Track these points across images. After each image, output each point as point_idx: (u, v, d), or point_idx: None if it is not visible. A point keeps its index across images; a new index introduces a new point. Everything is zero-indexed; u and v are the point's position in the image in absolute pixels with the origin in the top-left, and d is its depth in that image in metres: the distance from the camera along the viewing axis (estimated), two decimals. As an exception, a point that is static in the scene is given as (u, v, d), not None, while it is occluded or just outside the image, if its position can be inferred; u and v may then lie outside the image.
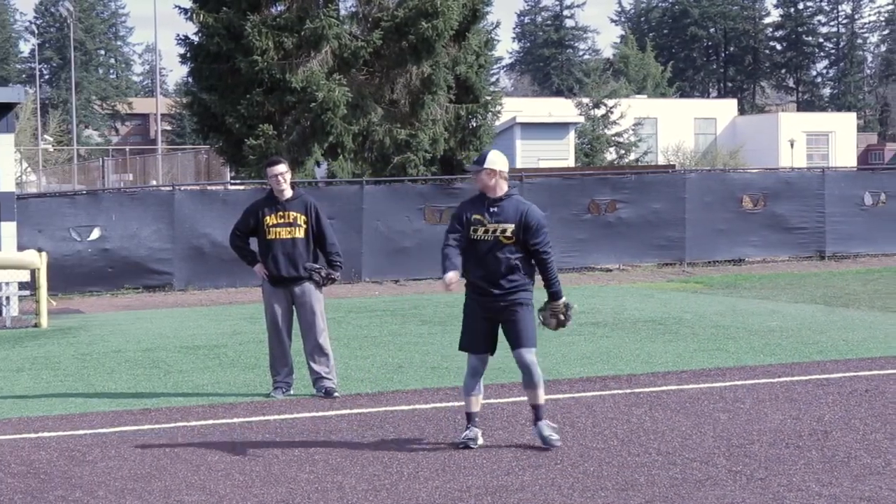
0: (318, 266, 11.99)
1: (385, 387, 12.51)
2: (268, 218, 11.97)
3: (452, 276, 9.58)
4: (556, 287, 9.69)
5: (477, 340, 9.77)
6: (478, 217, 9.62)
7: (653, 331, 16.51)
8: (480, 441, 9.64)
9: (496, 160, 9.67)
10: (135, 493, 8.40)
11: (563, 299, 9.79)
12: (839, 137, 76.82)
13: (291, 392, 12.13)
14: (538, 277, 9.65)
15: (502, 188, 9.66)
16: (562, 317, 9.85)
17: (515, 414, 10.89)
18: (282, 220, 11.95)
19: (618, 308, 19.38)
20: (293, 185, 12.13)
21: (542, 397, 9.71)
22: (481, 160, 9.73)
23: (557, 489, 8.26)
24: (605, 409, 11.05)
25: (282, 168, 11.98)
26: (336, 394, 11.96)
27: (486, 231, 9.55)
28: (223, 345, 15.98)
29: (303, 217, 11.98)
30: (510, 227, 9.50)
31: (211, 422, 10.84)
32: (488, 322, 9.69)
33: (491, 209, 9.61)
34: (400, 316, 19.02)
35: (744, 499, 7.93)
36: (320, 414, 11.15)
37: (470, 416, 9.71)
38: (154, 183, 51.30)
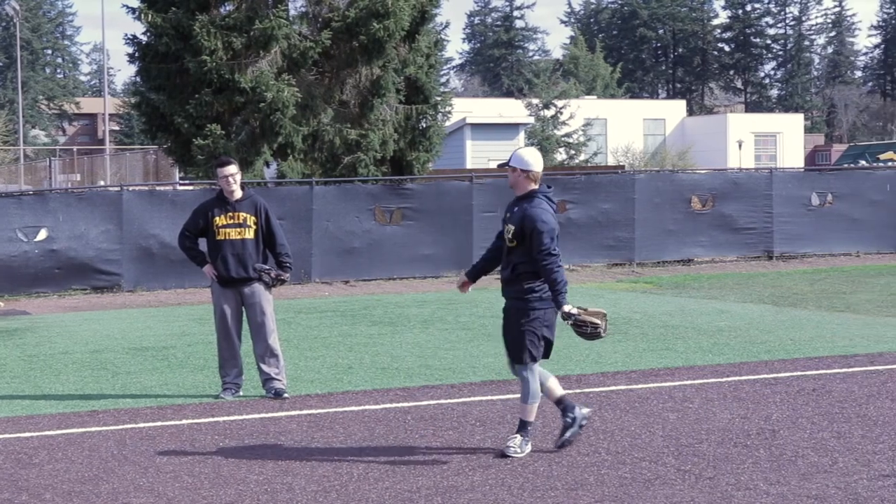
0: (267, 267, 11.96)
1: (335, 388, 12.49)
2: (217, 218, 11.92)
3: (459, 279, 9.78)
4: (556, 296, 9.09)
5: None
6: (505, 217, 9.42)
7: (602, 331, 16.54)
8: (586, 411, 9.55)
9: (522, 159, 9.30)
10: (82, 495, 8.33)
11: (566, 308, 9.07)
12: (787, 138, 77.46)
13: (241, 393, 12.08)
14: None
15: (524, 188, 9.30)
16: (570, 326, 9.25)
17: (465, 414, 10.90)
18: (231, 221, 11.91)
19: (567, 308, 19.40)
20: (243, 186, 12.09)
21: (529, 414, 9.34)
22: (512, 157, 9.38)
23: (507, 489, 8.27)
24: (555, 410, 11.03)
25: (232, 169, 11.94)
26: (285, 395, 11.93)
27: (506, 232, 9.34)
28: (172, 346, 15.89)
29: (252, 218, 11.95)
30: (512, 229, 9.24)
31: (159, 423, 10.77)
32: None
33: (514, 209, 9.35)
34: (350, 317, 18.99)
35: (692, 498, 7.97)
36: (270, 415, 11.12)
37: (557, 405, 9.53)
38: (102, 183, 50.94)
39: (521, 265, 9.18)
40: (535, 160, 9.30)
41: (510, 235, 9.25)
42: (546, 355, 9.39)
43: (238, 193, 11.95)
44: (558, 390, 9.53)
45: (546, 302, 9.20)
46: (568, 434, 9.40)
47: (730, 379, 12.56)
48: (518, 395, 9.66)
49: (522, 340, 9.21)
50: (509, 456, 9.15)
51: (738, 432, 9.89)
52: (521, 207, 9.24)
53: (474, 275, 9.87)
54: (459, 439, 9.87)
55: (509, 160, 9.33)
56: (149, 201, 24.20)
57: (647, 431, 10.02)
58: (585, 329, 9.22)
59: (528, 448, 9.27)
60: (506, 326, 9.39)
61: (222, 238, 11.90)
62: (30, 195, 25.54)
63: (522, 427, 9.30)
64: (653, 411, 10.90)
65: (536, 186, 9.31)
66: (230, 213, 11.92)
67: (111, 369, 13.96)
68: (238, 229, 11.91)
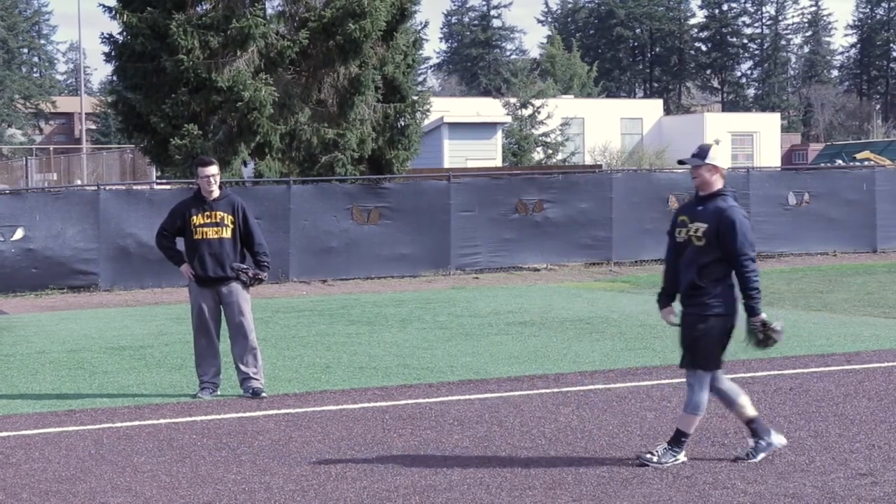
0: (245, 266, 11.95)
1: (313, 387, 12.48)
2: (195, 217, 11.91)
3: (664, 313, 9.06)
4: (750, 301, 8.70)
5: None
6: (684, 218, 8.89)
7: (580, 330, 16.59)
8: (782, 440, 8.98)
9: (713, 154, 8.87)
10: (59, 495, 8.31)
11: (761, 317, 8.72)
12: (763, 138, 77.61)
13: (218, 392, 12.06)
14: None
15: (714, 186, 8.83)
16: (760, 335, 8.77)
17: (443, 413, 10.90)
18: (209, 220, 11.91)
19: (545, 308, 19.45)
20: (221, 186, 12.08)
21: (688, 426, 8.82)
22: (703, 153, 8.89)
23: (485, 488, 8.27)
24: (533, 409, 11.08)
25: (213, 169, 11.94)
26: (263, 394, 11.92)
27: (688, 231, 8.79)
28: (149, 345, 15.85)
29: (230, 217, 11.94)
30: (703, 227, 8.70)
31: (137, 423, 10.75)
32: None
33: (697, 207, 8.85)
34: (328, 316, 18.97)
35: (670, 497, 7.99)
36: (247, 414, 11.10)
37: (747, 426, 8.98)
38: (79, 182, 50.76)
39: (707, 268, 8.70)
40: (724, 155, 8.93)
41: (699, 234, 8.69)
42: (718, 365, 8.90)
43: (216, 193, 11.94)
44: (751, 410, 8.96)
45: (731, 308, 8.77)
46: (759, 457, 8.84)
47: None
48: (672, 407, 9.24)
49: (699, 348, 8.73)
50: (646, 465, 8.68)
51: (716, 431, 9.91)
52: (712, 206, 8.73)
53: (671, 296, 9.09)
54: (437, 438, 9.87)
55: (695, 156, 8.87)
56: (126, 200, 24.13)
57: (625, 431, 10.04)
58: (773, 339, 8.79)
59: (679, 460, 8.78)
60: (684, 332, 8.81)
61: (200, 237, 11.89)
62: (6, 194, 25.42)
63: (676, 438, 8.81)
64: (631, 410, 10.92)
65: (721, 186, 8.86)
66: (207, 213, 11.91)
67: (88, 369, 13.92)
68: (215, 228, 11.90)
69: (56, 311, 20.71)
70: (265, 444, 9.78)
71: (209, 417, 10.99)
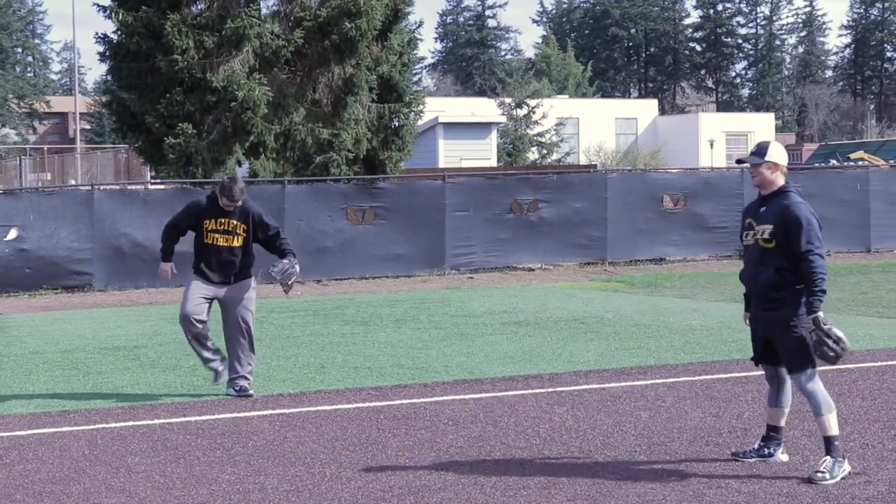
0: (283, 271, 11.98)
1: (307, 387, 12.47)
2: (208, 221, 11.91)
3: (746, 317, 8.84)
4: (812, 299, 8.29)
5: (754, 346, 8.83)
6: (750, 220, 8.64)
7: (575, 330, 16.59)
8: (783, 458, 8.79)
9: (772, 151, 8.60)
10: (53, 495, 8.29)
11: (820, 314, 8.29)
12: (758, 137, 77.50)
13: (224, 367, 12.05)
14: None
15: (775, 184, 8.58)
16: (813, 336, 8.32)
17: (438, 413, 10.89)
18: (221, 227, 11.92)
19: (540, 307, 19.46)
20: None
21: (829, 427, 8.42)
22: (762, 151, 8.61)
23: (480, 488, 8.27)
24: (528, 409, 11.08)
25: (238, 203, 11.85)
26: (250, 392, 11.91)
27: (755, 234, 8.53)
28: (143, 346, 15.84)
29: (243, 226, 11.96)
30: (769, 229, 8.44)
31: (131, 423, 10.73)
32: (761, 331, 8.70)
33: (761, 208, 8.59)
34: (322, 316, 18.96)
35: (664, 496, 7.99)
36: (242, 415, 11.09)
37: (767, 429, 8.83)
38: (73, 182, 50.74)
39: (785, 269, 8.38)
40: (782, 152, 8.65)
41: (766, 235, 8.44)
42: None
43: (232, 209, 11.93)
44: (783, 421, 8.79)
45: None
46: (752, 459, 8.75)
47: (702, 377, 12.59)
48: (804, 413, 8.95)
49: (802, 349, 8.40)
50: (817, 483, 8.19)
51: (710, 431, 9.92)
52: (776, 204, 8.48)
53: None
54: (432, 438, 9.86)
55: (753, 154, 8.60)
56: (120, 200, 24.11)
57: (620, 430, 10.04)
58: (828, 345, 8.27)
59: (846, 469, 8.35)
60: (780, 338, 8.47)
61: (210, 242, 11.91)
62: (0, 194, 25.40)
63: (829, 446, 8.37)
64: (625, 410, 10.92)
65: (783, 182, 8.61)
66: (221, 220, 11.93)
67: (82, 369, 13.90)
68: (226, 237, 11.91)
69: (50, 311, 20.69)
70: (260, 445, 9.77)
71: (203, 418, 10.98)
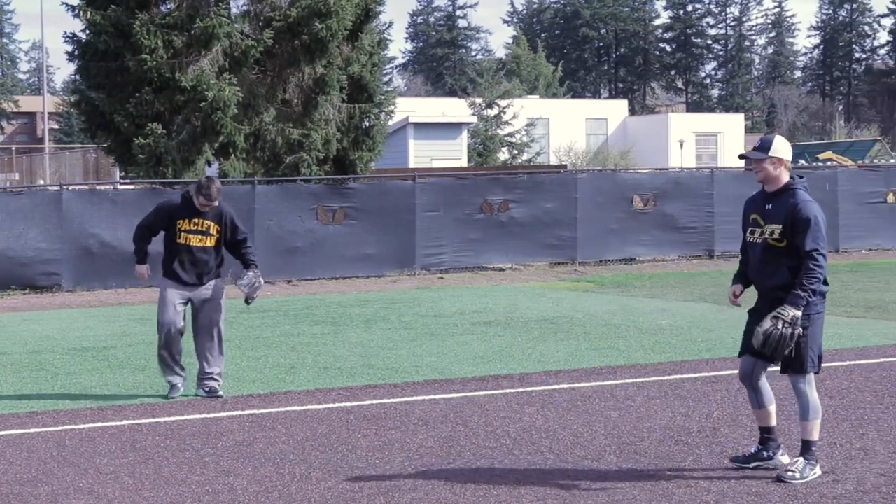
0: (251, 285, 11.97)
1: (277, 388, 12.45)
2: (182, 221, 11.88)
3: (732, 290, 8.69)
4: (798, 291, 8.17)
5: (744, 340, 8.62)
6: (756, 216, 8.49)
7: (545, 330, 16.61)
8: (784, 460, 8.57)
9: (776, 146, 8.44)
10: (21, 497, 8.25)
11: (799, 313, 8.17)
12: (727, 138, 77.95)
13: (185, 380, 12.04)
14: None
15: (781, 180, 8.44)
16: (780, 327, 8.13)
17: (408, 413, 10.89)
18: (195, 228, 11.89)
19: (510, 307, 19.47)
20: None
21: (812, 433, 8.38)
22: (765, 146, 8.46)
23: (450, 488, 8.27)
24: (498, 409, 11.09)
25: (215, 203, 11.84)
26: (220, 394, 11.89)
27: (763, 232, 8.39)
28: (112, 346, 15.77)
29: (216, 227, 11.94)
30: (778, 229, 8.31)
31: (99, 424, 10.69)
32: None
33: (767, 206, 8.45)
34: (292, 316, 18.92)
35: (634, 496, 8.01)
36: (211, 415, 11.06)
37: (760, 432, 8.72)
38: (41, 182, 50.50)
39: (797, 267, 8.23)
40: (786, 146, 8.51)
41: (776, 236, 8.31)
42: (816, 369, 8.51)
43: (207, 209, 11.90)
44: (773, 419, 8.66)
45: (824, 302, 8.39)
46: (752, 465, 8.59)
47: (671, 377, 12.62)
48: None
49: (803, 349, 8.29)
50: (787, 482, 8.19)
51: (680, 430, 9.94)
52: (784, 203, 8.32)
53: (745, 279, 8.74)
54: (402, 438, 9.86)
55: (756, 149, 8.45)
56: (89, 200, 23.99)
57: (590, 430, 10.06)
58: (787, 346, 8.19)
59: (816, 472, 8.34)
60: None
61: (183, 242, 11.88)
62: (-32, 194, 25.24)
63: (806, 449, 8.36)
64: (595, 410, 10.94)
65: (788, 177, 8.47)
66: (195, 220, 11.90)
67: (50, 370, 13.83)
68: (200, 237, 11.89)
69: (18, 311, 20.58)
70: (229, 445, 9.74)
71: (172, 419, 10.94)
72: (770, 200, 8.44)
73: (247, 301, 12.20)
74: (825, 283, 8.35)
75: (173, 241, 11.93)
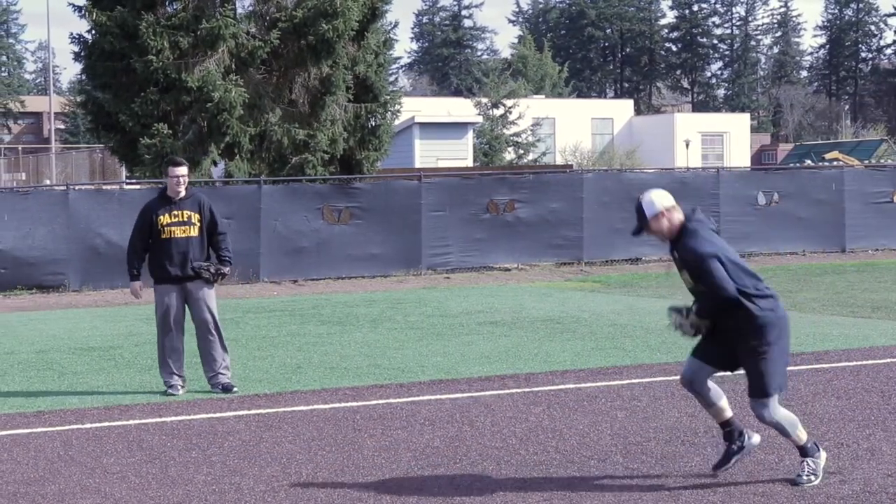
0: (206, 263, 12.01)
1: (283, 387, 12.45)
2: (162, 217, 11.96)
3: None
4: (698, 306, 8.24)
5: (697, 345, 8.63)
6: (678, 269, 8.36)
7: (551, 330, 16.60)
8: (756, 440, 8.58)
9: (651, 204, 8.39)
10: (28, 496, 8.26)
11: (691, 318, 8.32)
12: (733, 138, 77.96)
13: (186, 388, 12.08)
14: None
15: (675, 224, 8.30)
16: (682, 318, 8.38)
17: (414, 413, 10.89)
18: (176, 220, 11.96)
19: (516, 307, 19.47)
20: (187, 186, 12.13)
21: (800, 439, 8.31)
22: (643, 212, 8.36)
23: (456, 488, 8.27)
24: (504, 409, 11.08)
25: (183, 170, 12.05)
26: (234, 389, 11.95)
27: (683, 278, 8.30)
28: (118, 346, 15.79)
29: (196, 216, 12.00)
30: (686, 275, 8.21)
31: (106, 424, 10.70)
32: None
33: (674, 254, 8.32)
34: (299, 316, 18.93)
35: (640, 496, 8.00)
36: (217, 415, 11.07)
37: (721, 427, 8.59)
38: (48, 182, 50.55)
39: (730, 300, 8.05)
40: (659, 194, 8.43)
41: (691, 280, 8.19)
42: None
43: (182, 194, 12.02)
44: (728, 412, 8.56)
45: (779, 313, 8.17)
46: (732, 462, 8.50)
47: (678, 377, 12.58)
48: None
49: (763, 373, 8.19)
50: (801, 485, 8.16)
51: (686, 430, 9.94)
52: (682, 246, 8.19)
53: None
54: (408, 438, 9.86)
55: (638, 223, 8.39)
56: (95, 200, 24.04)
57: (596, 430, 10.05)
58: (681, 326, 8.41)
59: (821, 457, 8.32)
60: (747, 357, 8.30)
61: (167, 237, 11.95)
62: (-26, 194, 25.28)
63: (802, 451, 8.33)
64: (601, 410, 10.93)
65: (682, 217, 8.32)
66: (175, 212, 11.97)
67: (57, 369, 13.85)
68: (183, 227, 11.95)
69: (25, 311, 20.60)
70: (235, 445, 9.75)
71: (179, 418, 10.95)
72: (674, 247, 8.30)
73: (199, 272, 12.03)
74: (775, 299, 8.17)
75: (158, 238, 12.00)
